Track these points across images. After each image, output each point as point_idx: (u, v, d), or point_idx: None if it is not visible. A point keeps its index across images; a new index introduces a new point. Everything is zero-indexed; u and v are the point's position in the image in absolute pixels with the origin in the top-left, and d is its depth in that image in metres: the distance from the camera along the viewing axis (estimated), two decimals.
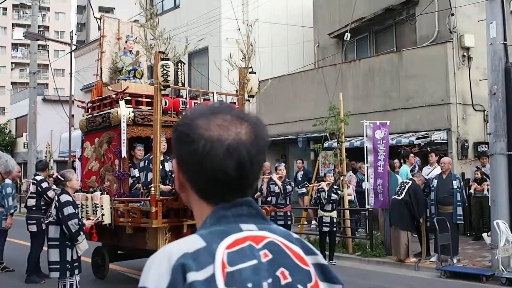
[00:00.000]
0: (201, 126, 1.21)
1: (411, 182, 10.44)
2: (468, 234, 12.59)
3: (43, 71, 60.85)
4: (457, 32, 13.86)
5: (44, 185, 9.33)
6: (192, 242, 1.17)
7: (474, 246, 11.54)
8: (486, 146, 12.22)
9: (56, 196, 6.90)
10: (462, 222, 10.51)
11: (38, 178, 9.50)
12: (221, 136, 1.19)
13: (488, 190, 11.03)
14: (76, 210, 6.74)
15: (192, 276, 1.10)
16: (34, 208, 9.29)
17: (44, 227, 8.37)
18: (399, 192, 10.35)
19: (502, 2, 9.40)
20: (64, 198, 6.55)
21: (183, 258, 1.13)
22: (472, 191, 12.07)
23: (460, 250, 10.50)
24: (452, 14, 13.88)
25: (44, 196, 9.19)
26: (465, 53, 13.86)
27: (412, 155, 12.44)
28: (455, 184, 10.12)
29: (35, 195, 9.27)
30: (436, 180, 10.38)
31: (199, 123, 1.22)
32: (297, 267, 1.19)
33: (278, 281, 1.14)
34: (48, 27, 65.39)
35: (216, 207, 1.24)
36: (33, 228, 9.17)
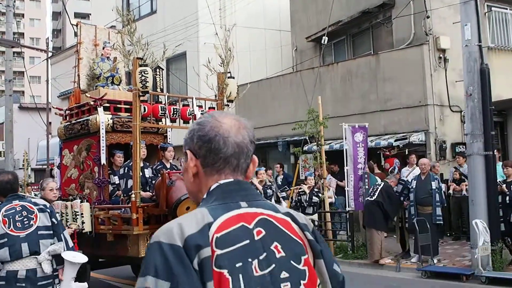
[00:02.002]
0: None
1: (383, 183, 10.53)
2: (448, 234, 12.71)
3: (19, 79, 60.10)
4: (433, 34, 14.02)
5: None
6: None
7: (454, 246, 11.67)
8: (464, 146, 12.36)
9: None
10: (442, 222, 10.60)
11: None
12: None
13: (466, 190, 11.18)
14: None
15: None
16: None
17: None
18: (371, 194, 10.43)
19: (476, 4, 9.54)
20: None
21: None
22: (451, 191, 12.21)
23: (440, 250, 10.60)
24: (428, 17, 14.04)
25: None
26: (441, 55, 14.02)
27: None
28: (434, 184, 10.21)
29: None
30: (415, 181, 10.47)
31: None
32: None
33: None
34: (23, 33, 64.63)
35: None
36: None
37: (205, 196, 1.47)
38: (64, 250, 4.75)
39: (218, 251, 1.31)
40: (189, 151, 1.51)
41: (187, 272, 1.27)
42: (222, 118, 1.51)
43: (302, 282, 1.38)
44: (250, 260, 1.34)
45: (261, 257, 1.35)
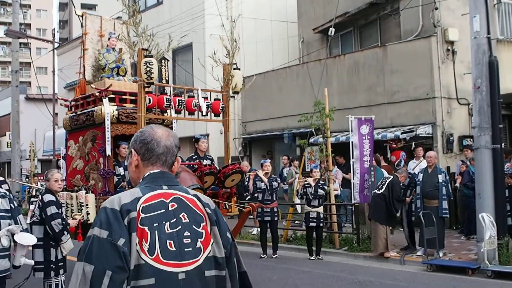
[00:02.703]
0: None
1: (392, 177, 10.46)
2: (454, 228, 12.66)
3: (26, 69, 60.25)
4: (441, 26, 13.90)
5: (5, 187, 9.62)
6: None
7: (460, 239, 11.61)
8: (471, 139, 12.28)
9: (40, 196, 6.82)
10: (448, 215, 10.55)
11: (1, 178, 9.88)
12: None
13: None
14: (60, 209, 6.65)
15: None
16: None
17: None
18: (379, 187, 10.37)
19: None
20: (47, 197, 6.46)
21: None
22: (457, 184, 12.13)
23: (446, 243, 10.55)
24: (436, 8, 13.92)
25: None
26: (449, 47, 13.91)
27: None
28: (441, 178, 10.15)
29: None
30: (422, 174, 10.41)
31: None
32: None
33: None
34: (29, 24, 64.68)
35: None
36: None
37: (141, 181, 2.17)
38: (20, 231, 5.69)
39: (143, 215, 2.00)
40: (133, 150, 2.23)
41: (120, 225, 1.97)
42: (156, 128, 2.26)
43: (199, 239, 2.06)
44: (164, 222, 2.02)
45: (171, 221, 2.04)
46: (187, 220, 2.07)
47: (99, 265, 1.90)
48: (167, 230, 2.01)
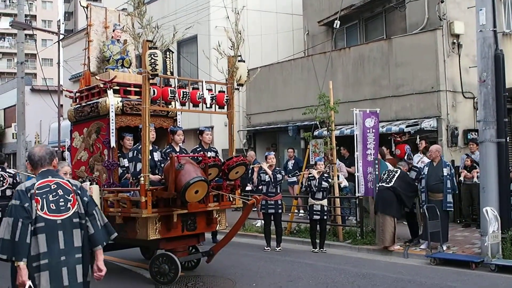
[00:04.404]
0: None
1: (399, 170, 10.43)
2: (458, 221, 12.65)
3: (31, 61, 60.32)
4: (447, 19, 13.82)
5: (18, 179, 10.74)
6: None
7: (464, 233, 11.60)
8: (476, 133, 12.22)
9: None
10: (452, 209, 10.53)
11: (13, 171, 10.80)
12: None
13: (477, 177, 11.08)
14: None
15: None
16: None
17: None
18: (387, 180, 10.32)
19: None
20: None
21: None
22: (462, 178, 12.11)
23: (450, 237, 10.54)
24: (442, 1, 13.84)
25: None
26: (455, 40, 13.83)
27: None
28: (445, 171, 10.12)
29: (11, 186, 10.35)
30: (427, 168, 10.39)
31: None
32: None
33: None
34: (35, 16, 64.66)
35: None
36: None
37: (37, 175, 4.15)
38: None
39: (37, 191, 4.00)
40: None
41: (25, 197, 3.98)
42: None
43: (69, 203, 4.09)
44: (48, 194, 4.03)
45: (53, 194, 4.05)
46: (62, 193, 4.08)
47: (15, 217, 3.88)
48: (50, 198, 4.01)
